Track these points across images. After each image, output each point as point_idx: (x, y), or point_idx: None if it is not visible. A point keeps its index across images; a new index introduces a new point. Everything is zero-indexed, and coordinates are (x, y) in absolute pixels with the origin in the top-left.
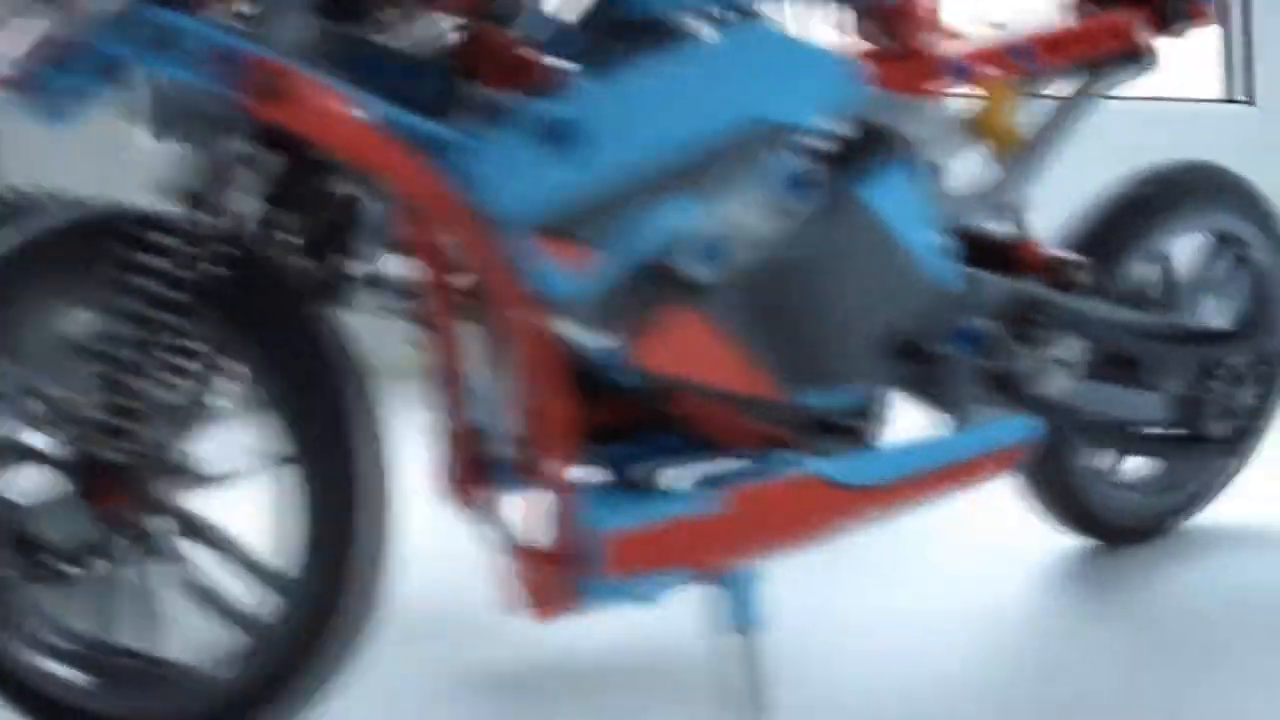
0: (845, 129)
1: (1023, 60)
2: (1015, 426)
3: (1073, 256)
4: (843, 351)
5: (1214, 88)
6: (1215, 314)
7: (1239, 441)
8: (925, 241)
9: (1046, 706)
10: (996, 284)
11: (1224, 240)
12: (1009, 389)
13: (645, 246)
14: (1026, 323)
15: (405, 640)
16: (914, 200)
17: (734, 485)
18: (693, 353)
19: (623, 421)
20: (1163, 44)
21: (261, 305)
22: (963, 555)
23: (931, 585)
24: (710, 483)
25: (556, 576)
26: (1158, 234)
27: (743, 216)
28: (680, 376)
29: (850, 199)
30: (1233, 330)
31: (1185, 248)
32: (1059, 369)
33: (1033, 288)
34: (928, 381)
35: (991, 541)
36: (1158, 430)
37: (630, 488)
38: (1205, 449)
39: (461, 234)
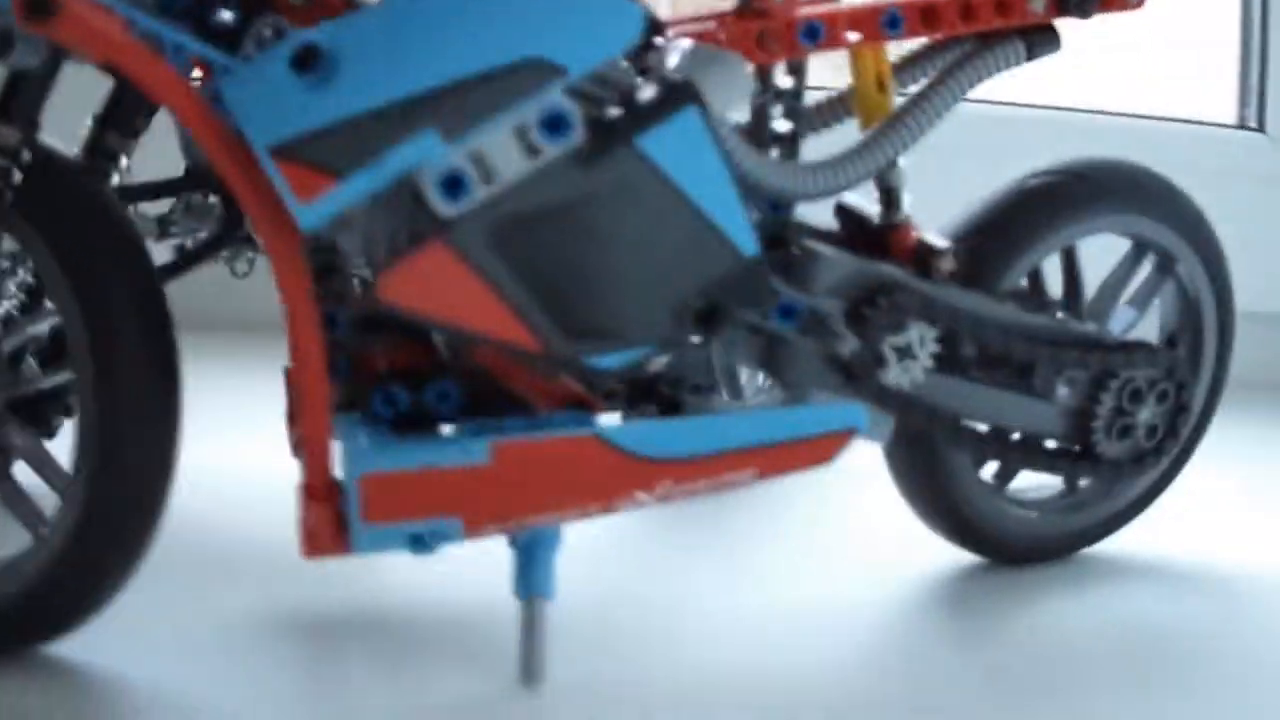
0: (635, 77)
1: (891, 28)
2: (838, 414)
3: (939, 242)
4: (618, 309)
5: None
6: (1135, 326)
7: (1138, 465)
8: (722, 203)
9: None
10: (837, 260)
11: (1144, 248)
12: (847, 374)
13: (387, 176)
14: (871, 305)
15: (220, 580)
16: (711, 159)
17: (502, 438)
18: (441, 291)
19: (423, 367)
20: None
21: (55, 216)
22: (836, 558)
23: (788, 584)
24: (478, 433)
25: (322, 517)
26: (1062, 230)
27: (498, 155)
28: (427, 313)
29: (626, 149)
30: (1132, 342)
31: (1108, 253)
32: (905, 359)
33: (884, 269)
34: (759, 357)
35: (871, 548)
36: (1044, 444)
37: (397, 432)
38: (1097, 469)
39: (220, 158)
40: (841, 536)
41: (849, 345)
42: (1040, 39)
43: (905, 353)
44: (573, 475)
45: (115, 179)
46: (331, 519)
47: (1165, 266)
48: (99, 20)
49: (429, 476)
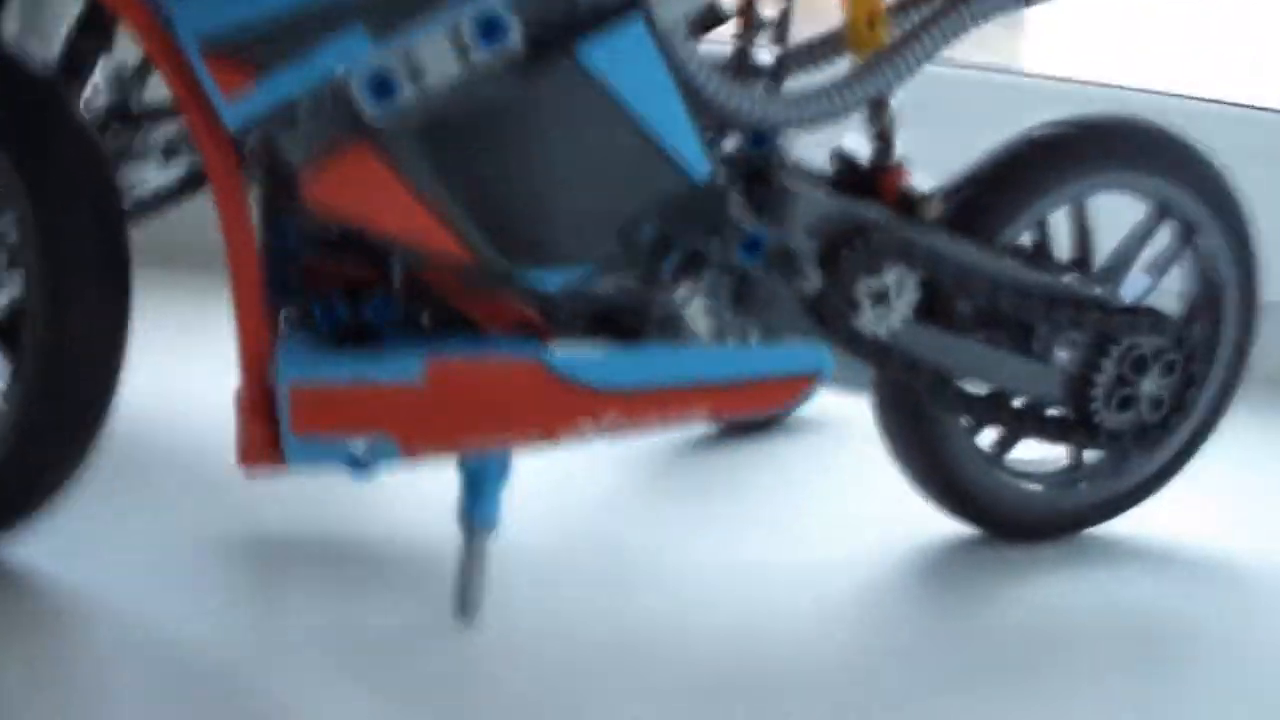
0: None
1: None
2: (800, 356)
3: (926, 186)
4: (556, 226)
5: None
6: (1149, 294)
7: (1141, 440)
8: (669, 122)
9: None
10: (814, 198)
11: (1164, 213)
12: (819, 316)
13: (315, 75)
14: (847, 246)
15: (173, 498)
16: (657, 74)
17: (437, 356)
18: (366, 194)
19: (372, 282)
20: None
21: (13, 121)
22: (826, 521)
23: (770, 543)
24: (414, 350)
25: (255, 429)
26: (1066, 185)
27: (429, 57)
28: (351, 216)
29: (566, 58)
30: (1137, 307)
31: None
32: (880, 304)
33: (863, 209)
34: (729, 294)
35: (865, 513)
36: (1040, 410)
37: (333, 344)
38: (1095, 440)
39: (157, 56)
40: (837, 499)
41: (814, 284)
42: None
43: (880, 298)
44: (510, 399)
45: (107, 97)
46: (264, 431)
47: (1185, 235)
48: None
49: (359, 391)
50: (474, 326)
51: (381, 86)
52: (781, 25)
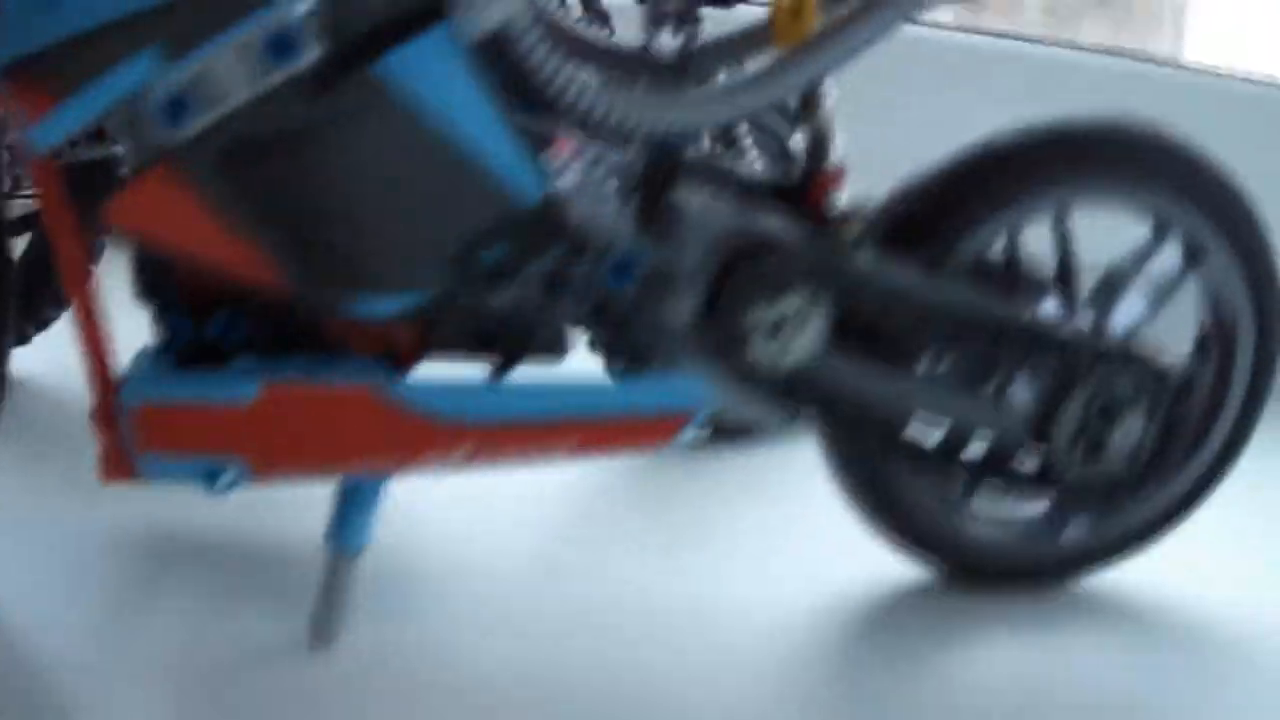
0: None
1: None
2: (674, 391)
3: (848, 200)
4: (375, 251)
5: None
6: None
7: (1114, 495)
8: (486, 139)
9: None
10: (711, 214)
11: (1165, 231)
12: (702, 347)
13: (109, 98)
14: (744, 268)
15: (74, 495)
16: (465, 87)
17: (273, 378)
18: (166, 216)
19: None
20: None
21: None
22: (783, 561)
23: (711, 584)
24: (253, 371)
25: (107, 442)
26: (1030, 199)
27: (223, 76)
28: (154, 238)
29: (363, 74)
30: (1111, 341)
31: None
32: (777, 334)
33: (768, 226)
34: (591, 321)
35: (831, 553)
36: (998, 454)
37: (179, 363)
38: (1058, 495)
39: None
40: (800, 525)
41: (686, 312)
42: None
43: (775, 329)
44: (344, 426)
45: None
46: (115, 445)
47: (1190, 258)
48: None
49: (198, 411)
50: (338, 347)
51: (176, 107)
52: (688, 17)
